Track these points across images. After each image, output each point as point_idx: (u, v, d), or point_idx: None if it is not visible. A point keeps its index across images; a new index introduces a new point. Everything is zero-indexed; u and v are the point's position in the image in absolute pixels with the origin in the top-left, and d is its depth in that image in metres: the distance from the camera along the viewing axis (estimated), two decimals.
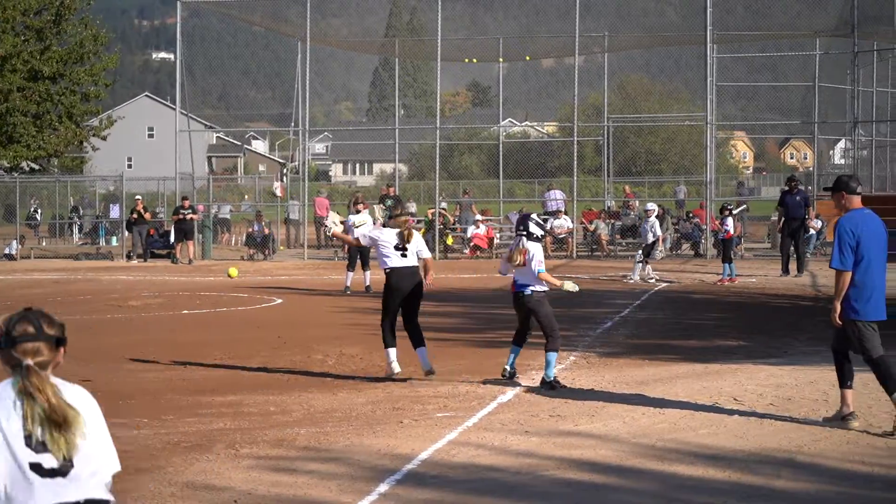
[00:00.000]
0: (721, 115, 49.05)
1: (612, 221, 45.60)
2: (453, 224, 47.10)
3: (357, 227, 31.10)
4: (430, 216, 45.25)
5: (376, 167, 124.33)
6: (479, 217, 45.79)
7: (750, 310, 25.93)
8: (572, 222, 44.16)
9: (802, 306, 26.06)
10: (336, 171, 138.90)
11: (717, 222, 33.65)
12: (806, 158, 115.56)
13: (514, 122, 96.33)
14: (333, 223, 18.48)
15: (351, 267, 31.31)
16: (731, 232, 32.90)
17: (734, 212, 34.16)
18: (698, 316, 25.08)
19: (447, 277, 35.36)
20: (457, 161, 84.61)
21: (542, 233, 16.18)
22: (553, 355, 15.66)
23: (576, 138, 45.07)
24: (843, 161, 70.61)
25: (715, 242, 42.39)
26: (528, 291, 15.76)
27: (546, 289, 15.89)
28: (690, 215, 45.60)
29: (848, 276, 12.38)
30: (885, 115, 46.97)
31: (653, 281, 32.54)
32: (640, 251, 33.63)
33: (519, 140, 72.25)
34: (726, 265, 32.21)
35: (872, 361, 12.45)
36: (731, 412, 13.44)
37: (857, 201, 12.73)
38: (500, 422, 13.30)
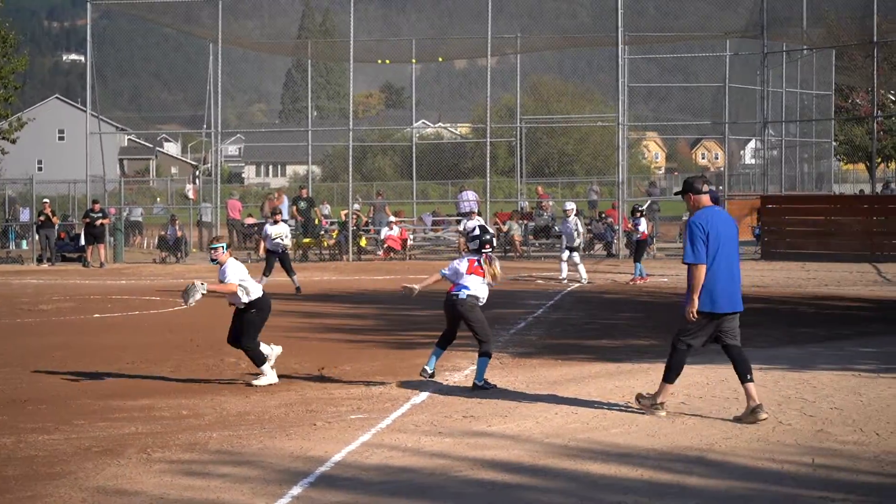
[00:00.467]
0: (633, 116, 49.40)
1: (525, 222, 45.73)
2: (366, 225, 47.03)
3: (275, 238, 31.24)
4: (343, 218, 45.13)
5: (289, 169, 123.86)
6: (392, 219, 45.75)
7: (662, 309, 26.07)
8: (485, 222, 44.23)
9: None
10: (249, 173, 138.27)
11: (629, 224, 33.88)
12: (717, 158, 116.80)
13: (428, 123, 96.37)
14: (200, 292, 17.02)
15: (267, 272, 31.16)
16: (646, 232, 33.22)
17: (640, 208, 34.36)
18: (611, 316, 25.21)
19: (360, 279, 35.33)
20: (370, 162, 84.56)
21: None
22: (485, 361, 15.65)
23: (489, 139, 45.20)
24: (753, 161, 71.36)
25: (628, 243, 42.70)
26: (463, 295, 15.67)
27: (480, 296, 15.77)
28: (603, 216, 45.84)
29: (703, 269, 12.76)
30: (793, 115, 47.51)
31: (564, 281, 32.71)
32: (566, 251, 33.68)
33: (432, 141, 72.31)
34: (638, 265, 32.53)
35: (674, 347, 13.13)
36: (643, 411, 13.52)
37: (705, 200, 13.12)
38: (413, 423, 13.29)
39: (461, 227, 42.47)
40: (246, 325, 16.81)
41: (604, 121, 58.84)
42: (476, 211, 43.27)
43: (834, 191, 54.76)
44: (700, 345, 13.19)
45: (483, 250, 15.86)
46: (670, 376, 13.26)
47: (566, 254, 33.57)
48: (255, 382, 16.45)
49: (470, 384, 15.67)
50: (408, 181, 55.95)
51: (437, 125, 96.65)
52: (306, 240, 44.63)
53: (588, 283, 32.35)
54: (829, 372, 15.91)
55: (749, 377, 13.01)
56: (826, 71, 48.92)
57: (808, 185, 50.34)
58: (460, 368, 17.36)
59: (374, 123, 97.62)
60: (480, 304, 15.79)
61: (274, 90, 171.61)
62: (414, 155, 51.21)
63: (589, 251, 44.21)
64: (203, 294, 16.73)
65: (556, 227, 39.84)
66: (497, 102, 69.30)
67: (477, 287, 15.68)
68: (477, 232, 16.11)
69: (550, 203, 49.56)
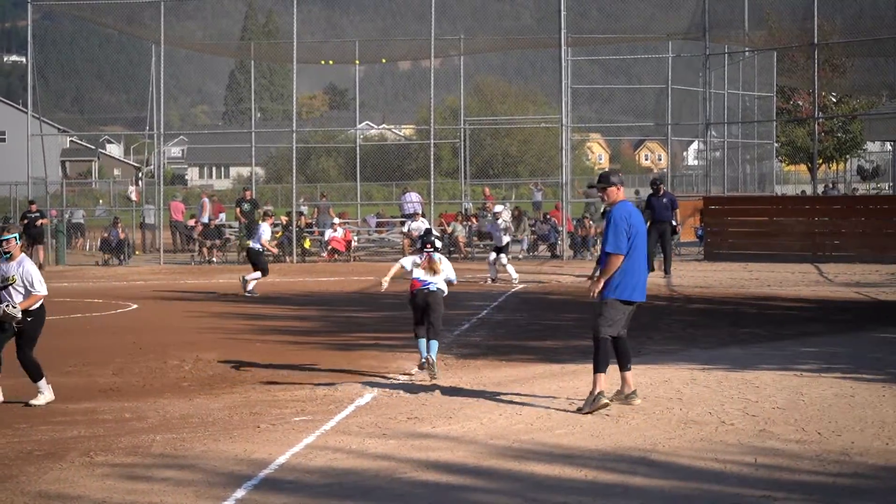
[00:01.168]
0: (576, 118, 49.52)
1: (470, 224, 45.77)
2: (309, 227, 46.93)
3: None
4: (284, 221, 44.95)
5: (233, 170, 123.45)
6: (336, 220, 45.67)
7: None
8: (429, 224, 44.22)
9: (658, 306, 26.34)
10: (192, 174, 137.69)
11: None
12: (660, 160, 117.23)
13: (372, 124, 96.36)
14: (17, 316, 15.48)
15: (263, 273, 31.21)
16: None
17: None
18: (555, 317, 25.29)
19: (304, 281, 35.27)
20: (314, 164, 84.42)
21: (440, 244, 17.91)
22: (436, 343, 16.90)
23: (433, 141, 45.17)
24: (696, 162, 71.73)
25: (572, 244, 42.85)
26: (433, 288, 16.97)
27: (444, 288, 17.20)
28: (547, 217, 45.92)
29: (620, 259, 13.49)
30: (736, 116, 47.76)
31: (489, 282, 32.80)
32: (493, 252, 33.84)
33: (376, 143, 72.34)
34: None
35: (596, 339, 13.65)
36: (586, 410, 13.53)
37: (620, 194, 13.94)
38: (357, 425, 13.28)
39: (405, 229, 42.49)
40: (25, 336, 15.68)
41: (547, 122, 59.09)
42: (420, 212, 43.29)
43: (776, 192, 55.10)
44: (617, 332, 13.70)
45: (425, 249, 17.25)
46: (601, 366, 13.61)
47: (492, 255, 33.77)
48: (33, 402, 15.36)
49: (415, 389, 15.75)
50: (352, 183, 55.88)
51: (381, 127, 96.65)
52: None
53: (517, 281, 32.40)
54: (771, 372, 15.98)
55: (628, 366, 13.94)
56: (768, 72, 49.19)
57: (750, 186, 50.58)
58: (404, 370, 17.37)
59: (317, 125, 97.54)
60: (444, 295, 17.21)
61: (217, 91, 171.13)
62: (358, 156, 51.12)
63: (533, 252, 44.31)
64: (19, 316, 15.47)
65: (485, 227, 39.51)
66: (441, 104, 69.40)
67: (438, 280, 17.07)
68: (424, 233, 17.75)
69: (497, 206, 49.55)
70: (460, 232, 44.49)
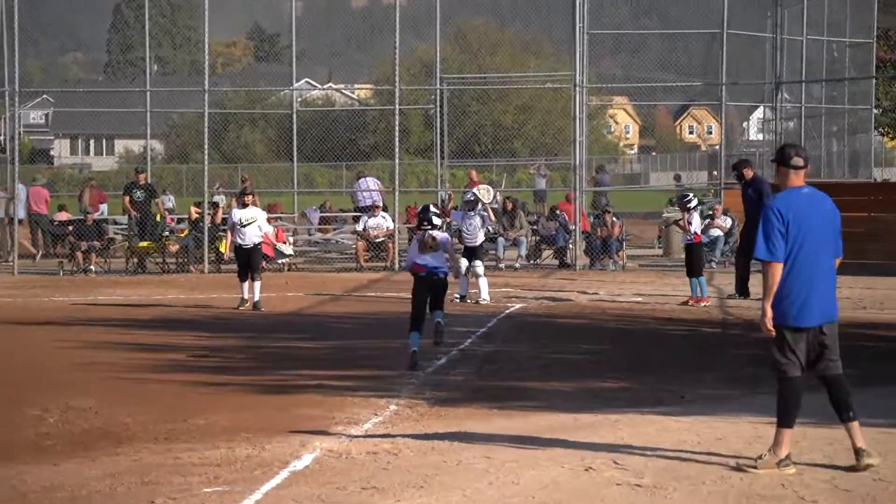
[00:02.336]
0: (595, 76, 49.53)
1: (448, 220, 45.44)
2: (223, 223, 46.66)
3: (244, 225, 31.74)
4: (194, 214, 44.80)
5: (119, 145, 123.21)
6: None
7: (636, 340, 26.14)
8: (393, 221, 44.13)
9: (706, 335, 26.35)
10: (61, 149, 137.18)
11: (685, 220, 32.78)
12: (711, 133, 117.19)
13: (314, 83, 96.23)
14: None
15: (242, 277, 32.51)
16: (699, 233, 32.73)
17: (689, 196, 33.52)
18: (564, 348, 25.16)
19: (219, 298, 35.14)
20: (233, 137, 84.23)
21: (440, 221, 22.72)
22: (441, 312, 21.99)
23: (398, 107, 45.07)
24: (760, 136, 71.79)
25: (588, 248, 42.74)
26: (440, 274, 21.78)
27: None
28: (555, 211, 45.83)
29: (778, 267, 13.52)
30: (818, 72, 47.63)
31: (457, 300, 32.19)
32: (472, 263, 33.31)
33: (320, 108, 72.28)
34: (696, 280, 31.93)
35: (781, 381, 13.72)
36: (609, 482, 13.52)
37: (795, 178, 13.83)
38: (294, 498, 13.23)
39: (360, 227, 42.44)
40: None
41: (555, 81, 58.95)
42: (381, 205, 43.24)
43: (875, 177, 55.04)
44: (799, 371, 13.71)
45: (421, 227, 21.78)
46: (783, 418, 13.78)
47: (463, 262, 32.23)
48: None
49: (373, 447, 15.70)
50: (286, 163, 55.81)
51: (326, 86, 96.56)
52: (143, 243, 44.34)
53: (485, 301, 32.28)
54: (870, 428, 15.78)
55: (847, 414, 13.83)
56: (865, 10, 49.06)
57: (838, 169, 50.63)
58: (358, 421, 17.31)
59: (238, 83, 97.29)
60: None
61: (96, 35, 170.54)
62: (295, 127, 51.00)
63: (535, 259, 44.27)
64: None
65: (455, 224, 38.83)
66: (409, 55, 69.27)
67: (440, 262, 21.83)
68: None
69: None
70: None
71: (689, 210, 32.29)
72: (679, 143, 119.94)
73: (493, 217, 34.25)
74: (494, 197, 39.93)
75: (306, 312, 31.74)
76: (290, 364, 23.31)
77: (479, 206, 34.00)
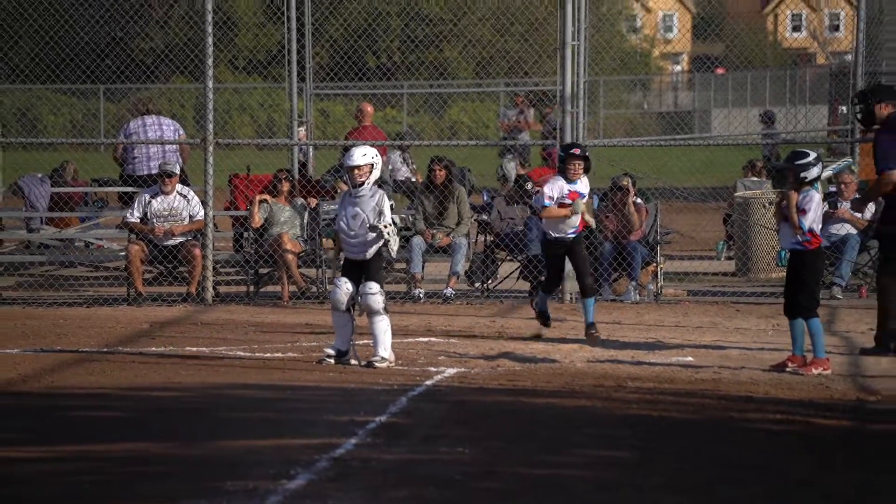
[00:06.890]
0: None
1: (313, 202, 31.35)
2: None
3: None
4: None
5: None
6: None
7: (686, 447, 16.12)
8: (204, 204, 30.75)
9: (818, 427, 17.42)
10: None
11: (787, 206, 20.90)
12: (838, 30, 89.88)
13: None
14: None
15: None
16: (817, 231, 20.46)
17: (812, 173, 20.05)
18: (543, 461, 15.15)
19: None
20: None
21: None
22: (592, 301, 21.30)
23: None
24: None
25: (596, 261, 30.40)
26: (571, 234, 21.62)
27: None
28: (526, 186, 30.40)
29: None
30: None
31: (327, 360, 20.49)
32: (342, 281, 21.88)
33: None
34: (802, 323, 20.00)
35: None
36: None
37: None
38: None
39: (135, 214, 28.64)
40: None
41: None
42: (177, 171, 28.98)
43: None
44: None
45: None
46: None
47: (343, 287, 20.43)
48: None
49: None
50: None
51: None
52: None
53: (384, 364, 21.19)
54: None
55: None
56: None
57: None
58: None
59: None
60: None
61: None
62: None
63: (485, 280, 30.14)
64: None
65: (329, 217, 26.85)
66: None
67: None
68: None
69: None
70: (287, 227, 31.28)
71: (802, 184, 19.99)
72: (773, 51, 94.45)
73: (385, 199, 21.61)
74: (408, 161, 30.87)
75: (23, 389, 21.18)
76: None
77: (370, 161, 22.06)
